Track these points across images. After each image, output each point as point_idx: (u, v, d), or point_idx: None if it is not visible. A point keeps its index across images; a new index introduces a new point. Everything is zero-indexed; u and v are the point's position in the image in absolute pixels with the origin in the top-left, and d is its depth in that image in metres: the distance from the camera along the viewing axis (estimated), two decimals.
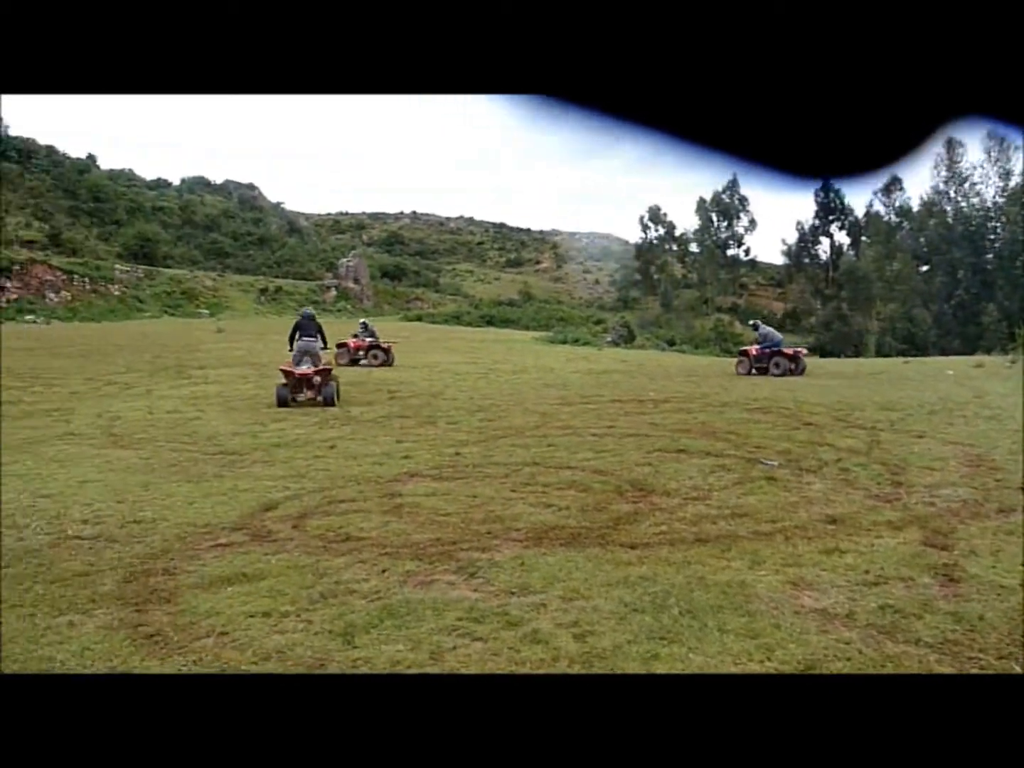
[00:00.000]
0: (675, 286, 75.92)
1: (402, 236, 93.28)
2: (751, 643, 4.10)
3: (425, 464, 8.66)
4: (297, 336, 13.52)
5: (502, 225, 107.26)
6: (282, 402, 12.82)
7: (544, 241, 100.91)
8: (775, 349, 18.02)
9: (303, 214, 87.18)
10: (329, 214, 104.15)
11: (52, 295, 37.14)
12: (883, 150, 0.94)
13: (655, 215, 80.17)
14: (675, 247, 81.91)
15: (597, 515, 6.61)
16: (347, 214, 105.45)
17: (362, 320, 22.26)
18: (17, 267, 36.39)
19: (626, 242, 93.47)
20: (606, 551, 5.67)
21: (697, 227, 78.62)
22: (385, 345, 20.04)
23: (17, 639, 4.16)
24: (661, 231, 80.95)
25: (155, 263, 45.76)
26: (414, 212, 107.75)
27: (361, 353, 19.83)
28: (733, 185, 74.44)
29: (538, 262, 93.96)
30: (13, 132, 55.08)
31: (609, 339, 34.05)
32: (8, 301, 35.47)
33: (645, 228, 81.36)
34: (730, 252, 79.08)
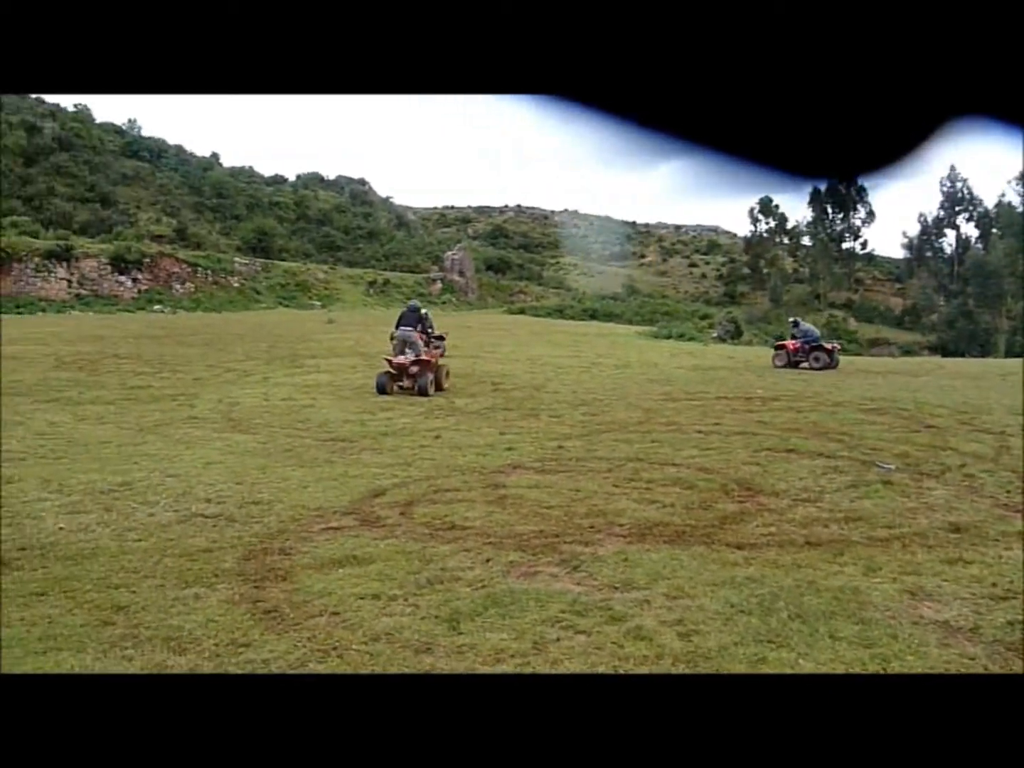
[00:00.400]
0: (785, 280, 73.50)
1: (507, 229, 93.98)
2: (865, 652, 3.95)
3: (528, 456, 8.72)
4: (397, 326, 14.01)
5: (607, 219, 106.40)
6: (381, 390, 13.21)
7: (649, 234, 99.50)
8: (814, 344, 19.11)
9: (411, 208, 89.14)
10: (435, 208, 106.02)
11: (178, 286, 39.34)
12: (883, 150, 0.93)
13: (765, 207, 77.74)
14: (786, 240, 79.26)
15: (702, 513, 6.50)
16: (453, 208, 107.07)
17: (423, 311, 21.96)
18: (148, 260, 38.71)
19: (734, 235, 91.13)
20: (711, 550, 5.57)
21: (810, 219, 75.81)
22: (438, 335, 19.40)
23: (149, 608, 4.46)
24: (772, 223, 78.47)
25: (271, 256, 47.77)
26: (519, 206, 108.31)
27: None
28: None
29: (643, 256, 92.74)
30: (145, 133, 58.65)
31: (715, 334, 33.30)
32: (140, 292, 37.78)
33: (755, 220, 79.07)
34: (845, 245, 75.92)
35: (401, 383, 13.45)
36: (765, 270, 75.86)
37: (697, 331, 34.68)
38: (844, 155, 0.95)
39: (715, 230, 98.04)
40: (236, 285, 41.39)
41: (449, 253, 55.00)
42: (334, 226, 60.38)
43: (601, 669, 3.80)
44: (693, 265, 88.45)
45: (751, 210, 79.02)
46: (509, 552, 5.48)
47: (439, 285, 51.22)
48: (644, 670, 3.79)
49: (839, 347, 20.02)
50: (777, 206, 77.28)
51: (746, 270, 79.24)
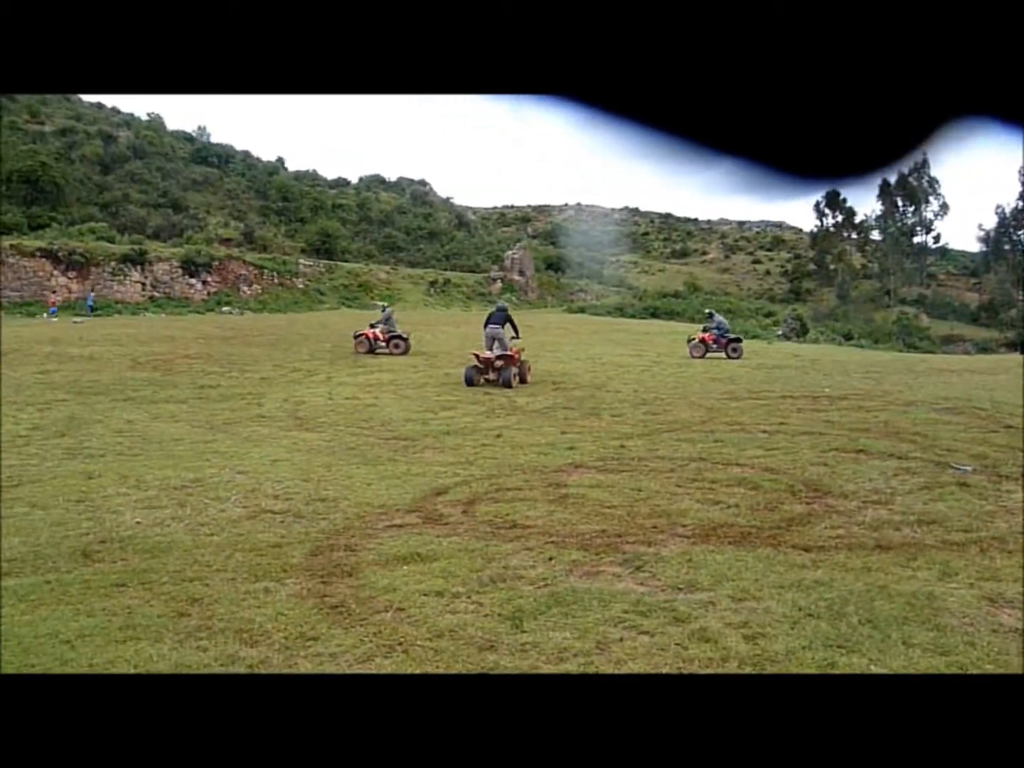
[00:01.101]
0: (853, 276, 71.53)
1: (566, 228, 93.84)
2: (941, 659, 3.83)
3: (589, 456, 8.70)
4: (487, 324, 15.02)
5: (668, 215, 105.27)
6: (469, 382, 14.24)
7: (711, 231, 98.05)
8: (724, 334, 20.75)
9: (471, 208, 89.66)
10: (495, 207, 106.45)
11: (245, 288, 40.42)
12: (882, 151, 0.92)
13: (832, 200, 75.74)
14: (854, 234, 77.09)
15: (768, 515, 6.38)
16: (512, 207, 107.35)
17: (384, 306, 22.74)
18: (216, 263, 39.86)
19: (799, 230, 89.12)
20: (778, 552, 5.47)
21: (880, 212, 73.60)
22: (404, 335, 20.23)
23: (221, 600, 4.59)
24: (839, 217, 76.41)
25: (334, 257, 48.63)
26: (578, 204, 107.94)
27: (381, 343, 20.03)
28: (922, 166, 68.96)
29: (704, 252, 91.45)
30: (214, 139, 60.35)
31: (780, 332, 32.62)
32: (209, 294, 38.95)
33: (821, 215, 77.10)
34: (917, 239, 73.49)
35: (487, 376, 14.48)
36: (832, 266, 73.92)
37: (761, 329, 34.06)
38: (843, 156, 0.94)
39: (780, 225, 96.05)
40: (301, 286, 42.29)
41: (509, 252, 55.18)
42: (395, 227, 61.15)
43: (665, 670, 3.77)
44: (757, 262, 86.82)
45: (817, 204, 77.10)
46: (571, 551, 5.47)
47: (499, 284, 51.40)
48: (709, 672, 3.74)
49: (741, 338, 22.34)
50: (844, 200, 75.17)
51: (812, 266, 77.39)
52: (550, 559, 5.31)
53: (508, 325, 14.98)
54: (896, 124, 0.90)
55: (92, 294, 34.88)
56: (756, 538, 5.77)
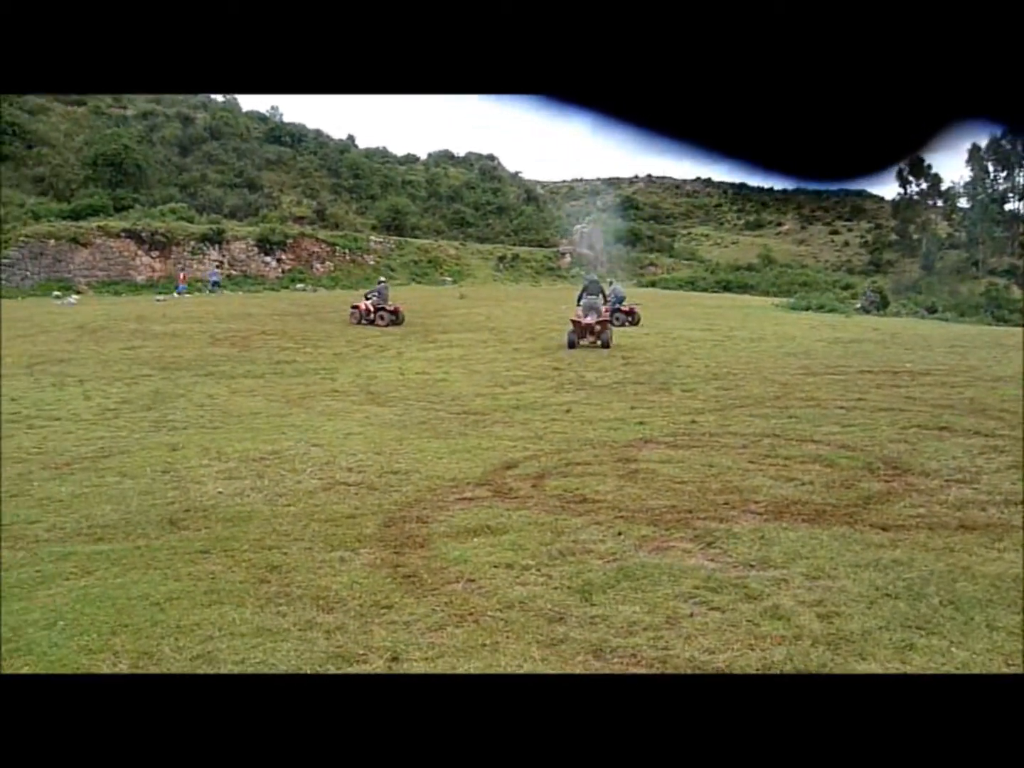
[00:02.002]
0: (939, 246, 68.47)
1: (636, 200, 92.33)
2: None
3: (660, 431, 8.62)
4: (584, 296, 16.87)
5: (742, 186, 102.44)
6: (571, 344, 16.01)
7: (787, 201, 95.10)
8: (617, 306, 21.10)
9: (539, 182, 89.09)
10: (564, 181, 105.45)
11: (318, 265, 41.17)
12: (883, 151, 0.90)
13: (916, 167, 72.45)
14: (940, 202, 73.67)
15: (844, 492, 6.23)
16: (582, 180, 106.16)
17: (381, 279, 23.48)
18: (290, 241, 40.67)
19: (881, 199, 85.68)
20: (854, 530, 5.34)
21: (968, 179, 70.08)
22: (391, 307, 21.02)
23: (299, 568, 4.74)
24: (924, 185, 73.07)
25: (404, 234, 49.04)
26: (649, 176, 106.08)
27: (371, 315, 21.00)
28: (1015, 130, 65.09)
29: (780, 224, 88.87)
30: (287, 119, 61.34)
31: (859, 305, 31.50)
32: (283, 272, 39.83)
33: (904, 182, 73.78)
34: (1009, 206, 69.80)
35: (584, 339, 16.31)
36: (916, 236, 70.91)
37: (839, 302, 32.98)
38: (843, 156, 0.92)
39: (859, 194, 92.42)
40: (371, 263, 42.84)
41: (578, 226, 54.73)
42: (464, 202, 61.23)
43: (737, 646, 3.74)
44: (835, 232, 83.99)
45: (900, 171, 73.74)
46: (641, 526, 5.46)
47: (568, 259, 51.09)
48: (781, 651, 3.70)
49: (638, 307, 22.68)
50: (930, 166, 71.85)
51: (894, 236, 74.35)
52: (619, 534, 5.31)
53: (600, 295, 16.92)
54: (896, 125, 0.88)
55: (217, 271, 36.34)
56: (831, 516, 5.64)
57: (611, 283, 23.80)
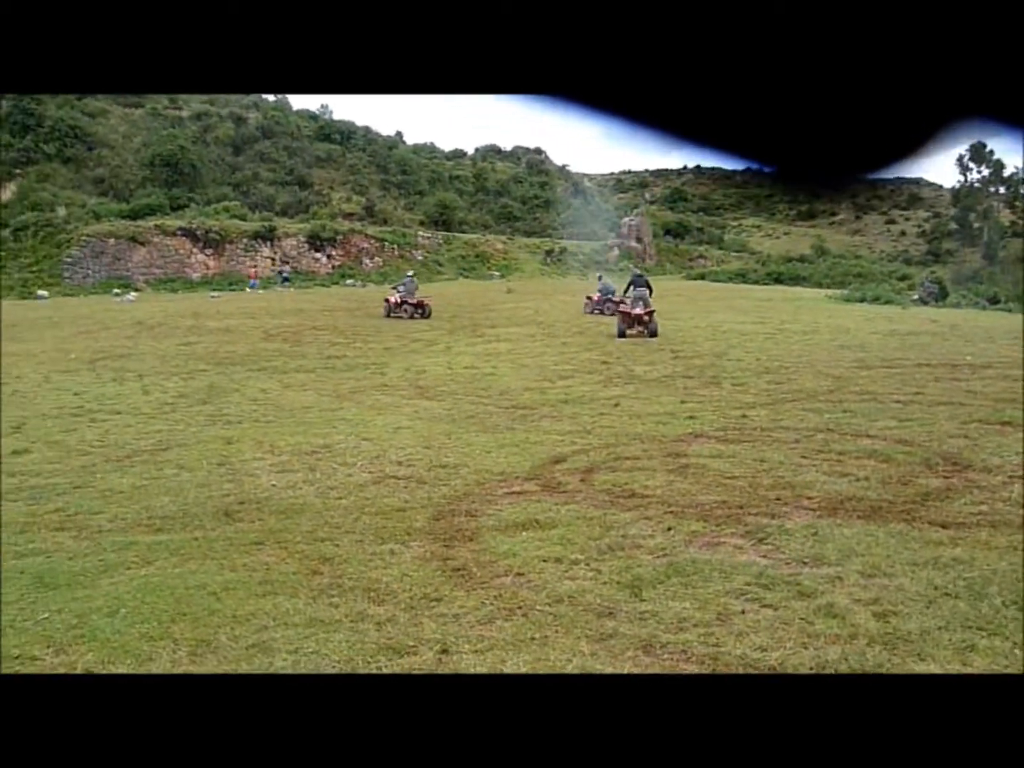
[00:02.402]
0: (1001, 234, 66.24)
1: (685, 192, 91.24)
2: None
3: (710, 425, 8.52)
4: (632, 288, 18.21)
5: None
6: (621, 334, 16.80)
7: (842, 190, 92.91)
8: (608, 297, 22.64)
9: (587, 175, 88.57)
10: (612, 173, 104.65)
11: (367, 261, 41.59)
12: (883, 152, 0.89)
13: (977, 153, 70.17)
14: (1003, 189, 71.22)
15: (901, 489, 6.08)
16: (630, 172, 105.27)
17: (410, 273, 24.00)
18: (340, 237, 41.17)
19: (939, 186, 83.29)
20: (912, 528, 5.21)
21: None
22: (415, 301, 21.51)
23: (350, 560, 4.81)
24: (985, 171, 70.74)
25: (452, 229, 49.26)
26: (698, 167, 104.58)
27: (397, 309, 21.50)
28: None
29: (833, 213, 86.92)
30: (336, 116, 62.07)
31: (916, 296, 30.65)
32: (333, 268, 40.34)
33: (965, 169, 71.55)
34: None
35: (632, 329, 17.10)
36: (977, 224, 68.71)
37: (895, 293, 32.12)
38: (843, 157, 0.91)
39: (917, 182, 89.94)
40: (420, 258, 43.12)
41: (626, 219, 54.27)
42: (511, 196, 61.22)
43: (790, 644, 3.68)
44: (891, 221, 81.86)
45: (960, 158, 71.57)
46: (691, 521, 5.41)
47: (616, 252, 50.73)
48: (836, 649, 3.63)
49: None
50: (992, 152, 69.53)
51: (953, 225, 72.20)
52: (669, 529, 5.27)
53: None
54: (896, 126, 0.87)
55: (288, 267, 37.24)
56: (888, 513, 5.52)
57: (599, 277, 25.32)
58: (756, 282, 42.55)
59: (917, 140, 0.88)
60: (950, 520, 5.35)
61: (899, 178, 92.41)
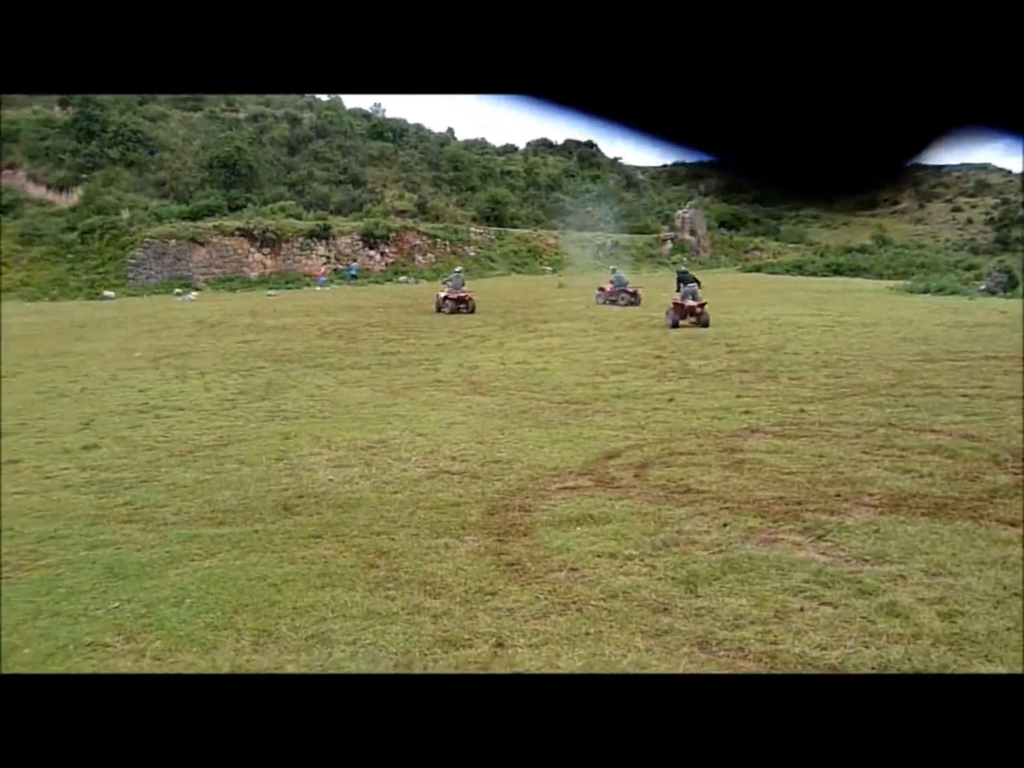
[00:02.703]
0: None
1: (740, 183, 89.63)
2: None
3: (766, 420, 8.39)
4: (681, 285, 18.85)
5: None
6: (674, 324, 17.60)
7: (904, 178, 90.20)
8: (622, 288, 23.94)
9: (639, 168, 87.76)
10: (665, 166, 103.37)
11: (420, 257, 41.94)
12: (882, 157, 0.88)
13: None
14: None
15: (968, 485, 5.90)
16: (683, 164, 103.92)
17: (457, 270, 25.01)
18: (393, 234, 41.62)
19: (1009, 172, 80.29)
20: (979, 526, 5.06)
21: None
22: (456, 295, 21.92)
23: (406, 554, 4.88)
24: None
25: (504, 224, 49.33)
26: None
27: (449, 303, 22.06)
28: None
29: (896, 202, 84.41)
30: (388, 115, 62.66)
31: (983, 287, 29.61)
32: (387, 265, 40.79)
33: None
34: None
35: (685, 320, 17.81)
36: None
37: (961, 284, 31.10)
38: (843, 162, 0.89)
39: (985, 168, 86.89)
40: (472, 254, 43.31)
41: (679, 212, 53.65)
42: (563, 191, 61.04)
43: (851, 643, 3.61)
44: (956, 209, 79.29)
45: None
46: (748, 518, 5.34)
47: (669, 245, 50.22)
48: (899, 649, 3.55)
49: (640, 289, 24.74)
50: None
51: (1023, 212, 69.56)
52: (725, 525, 5.21)
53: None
54: (896, 132, 0.85)
55: (355, 264, 38.06)
56: (953, 510, 5.36)
57: (613, 270, 25.78)
58: (814, 274, 41.66)
59: (917, 143, 0.87)
60: (1019, 518, 5.17)
61: (965, 164, 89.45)
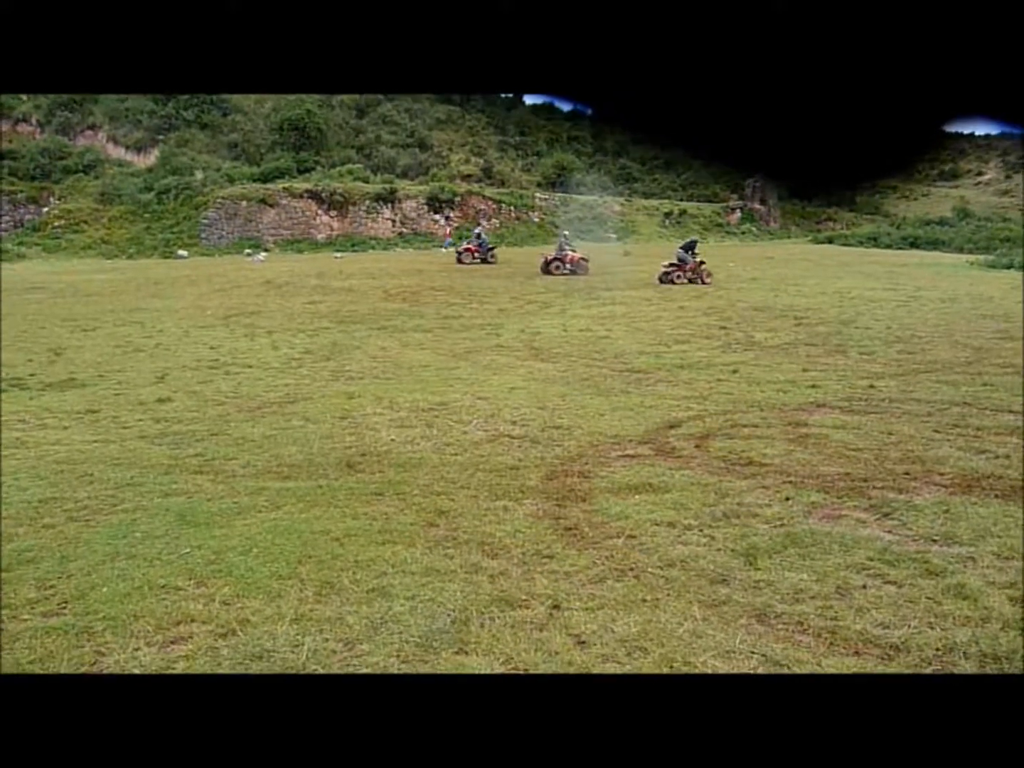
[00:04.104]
0: None
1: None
2: None
3: (834, 395, 8.19)
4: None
5: (937, 132, 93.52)
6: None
7: (990, 147, 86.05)
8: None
9: None
10: None
11: (484, 222, 41.84)
12: (883, 152, 0.86)
13: None
14: None
15: None
16: None
17: (479, 230, 29.20)
18: (458, 199, 41.61)
19: None
20: None
21: None
22: (478, 249, 26.98)
23: (465, 515, 4.94)
24: None
25: (569, 190, 48.84)
26: None
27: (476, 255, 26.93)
28: None
29: (980, 173, 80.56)
30: None
31: None
32: (451, 229, 40.86)
33: None
34: None
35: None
36: None
37: None
38: (844, 157, 0.86)
39: None
40: (536, 220, 43.06)
41: (750, 180, 52.18)
42: (630, 157, 60.00)
43: (915, 623, 3.54)
44: None
45: None
46: (811, 492, 5.24)
47: (738, 214, 49.06)
48: (966, 631, 3.46)
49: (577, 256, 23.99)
50: None
51: None
52: (787, 499, 5.13)
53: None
54: (897, 125, 0.83)
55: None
56: None
57: (563, 235, 25.83)
58: (889, 246, 40.22)
59: (918, 140, 0.85)
60: None
61: None
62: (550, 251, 24.71)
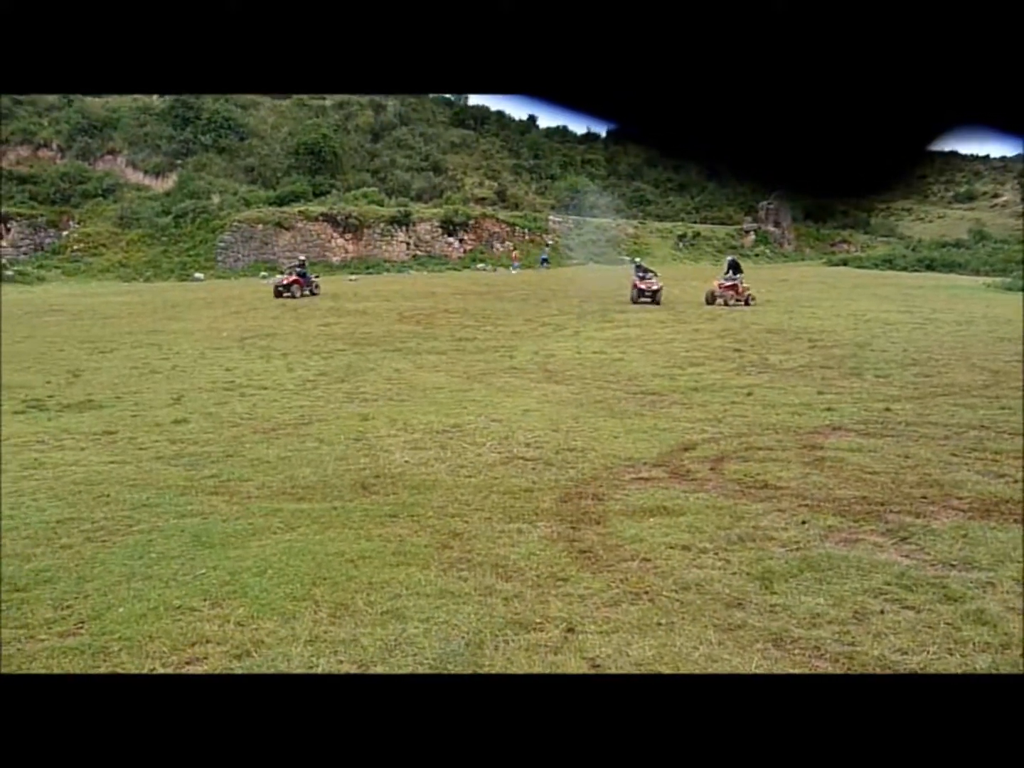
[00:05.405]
0: None
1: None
2: None
3: (850, 418, 8.15)
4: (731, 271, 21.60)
5: (952, 154, 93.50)
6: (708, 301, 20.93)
7: (1006, 169, 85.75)
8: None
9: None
10: None
11: (498, 245, 42.10)
12: (882, 159, 0.85)
13: None
14: None
15: None
16: None
17: (300, 258, 26.90)
18: (472, 222, 41.90)
19: None
20: None
21: None
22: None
23: (479, 537, 4.93)
24: None
25: (583, 213, 49.10)
26: None
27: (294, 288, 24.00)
28: None
29: (996, 195, 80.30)
30: (471, 102, 62.95)
31: None
32: (465, 252, 41.10)
33: None
34: None
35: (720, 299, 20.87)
36: None
37: None
38: (844, 164, 0.86)
39: None
40: (550, 242, 43.22)
41: (763, 202, 52.30)
42: (644, 180, 60.30)
43: (933, 649, 3.50)
44: None
45: None
46: (827, 516, 5.20)
47: (752, 236, 49.10)
48: (985, 658, 3.42)
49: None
50: None
51: None
52: (803, 522, 5.10)
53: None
54: (895, 133, 0.82)
55: (547, 249, 38.99)
56: None
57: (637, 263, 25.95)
58: (904, 268, 40.14)
59: (916, 150, 0.86)
60: None
61: None
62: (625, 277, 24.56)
